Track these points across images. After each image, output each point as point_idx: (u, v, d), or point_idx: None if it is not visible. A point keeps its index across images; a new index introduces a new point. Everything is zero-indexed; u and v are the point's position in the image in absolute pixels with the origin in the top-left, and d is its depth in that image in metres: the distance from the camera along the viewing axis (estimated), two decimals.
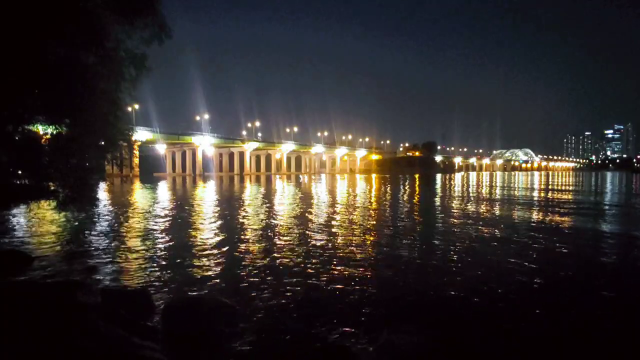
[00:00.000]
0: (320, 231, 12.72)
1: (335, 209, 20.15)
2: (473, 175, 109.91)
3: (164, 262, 8.51)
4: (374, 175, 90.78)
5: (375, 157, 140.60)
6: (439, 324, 5.35)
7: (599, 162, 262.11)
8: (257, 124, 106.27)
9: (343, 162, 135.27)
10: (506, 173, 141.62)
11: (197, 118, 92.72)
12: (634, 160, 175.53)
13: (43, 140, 6.51)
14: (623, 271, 8.46)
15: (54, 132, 6.37)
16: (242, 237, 11.91)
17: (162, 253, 9.46)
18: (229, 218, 16.23)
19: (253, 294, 6.40)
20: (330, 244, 10.56)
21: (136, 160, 57.68)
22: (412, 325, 5.09)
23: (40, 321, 3.66)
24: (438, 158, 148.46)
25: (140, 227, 13.58)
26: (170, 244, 10.59)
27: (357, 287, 6.84)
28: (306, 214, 17.54)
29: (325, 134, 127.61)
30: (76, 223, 13.22)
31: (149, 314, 5.41)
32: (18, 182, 6.55)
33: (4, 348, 3.13)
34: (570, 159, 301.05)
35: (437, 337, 4.89)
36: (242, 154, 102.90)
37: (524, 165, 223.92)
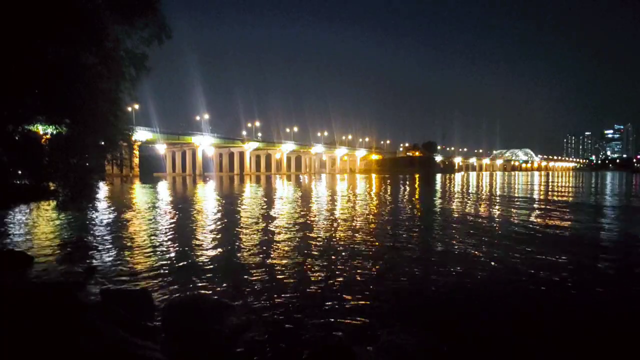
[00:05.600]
0: (320, 231, 12.72)
1: (336, 209, 20.14)
2: (473, 175, 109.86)
3: (164, 262, 8.50)
4: (373, 176, 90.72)
5: (375, 157, 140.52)
6: (438, 324, 5.35)
7: (599, 162, 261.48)
8: (257, 124, 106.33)
9: (343, 162, 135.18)
10: (506, 173, 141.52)
11: (197, 118, 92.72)
12: (634, 160, 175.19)
13: (43, 140, 6.51)
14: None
15: (54, 132, 6.38)
16: (242, 237, 11.91)
17: (162, 253, 9.45)
18: (228, 218, 16.23)
19: (253, 294, 6.40)
20: (330, 245, 10.56)
21: (136, 160, 57.53)
22: (412, 325, 5.10)
23: (40, 321, 3.65)
24: (438, 158, 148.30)
25: (139, 227, 13.58)
26: (171, 243, 10.59)
27: (358, 287, 6.84)
28: (306, 214, 17.54)
29: (325, 134, 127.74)
30: (76, 223, 13.21)
31: (149, 314, 5.40)
32: (18, 182, 6.54)
33: (4, 348, 3.13)
34: (570, 159, 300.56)
35: (437, 337, 4.89)
36: (242, 154, 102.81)
37: (524, 165, 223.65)
